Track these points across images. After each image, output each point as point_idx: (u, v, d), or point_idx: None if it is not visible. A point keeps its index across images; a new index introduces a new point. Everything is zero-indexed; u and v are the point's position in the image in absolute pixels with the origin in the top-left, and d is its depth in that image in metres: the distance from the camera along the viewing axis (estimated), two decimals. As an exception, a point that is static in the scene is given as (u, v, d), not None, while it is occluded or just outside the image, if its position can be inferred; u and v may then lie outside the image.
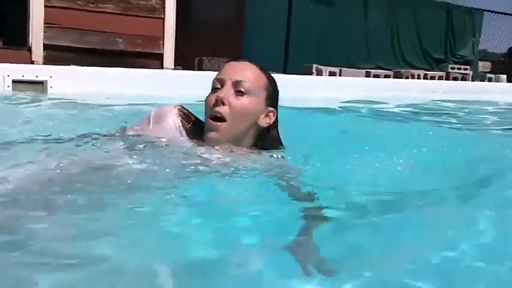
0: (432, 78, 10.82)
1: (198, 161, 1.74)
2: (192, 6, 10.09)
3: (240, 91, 1.80)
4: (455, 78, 11.40)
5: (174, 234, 1.32)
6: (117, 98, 4.14)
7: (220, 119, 1.79)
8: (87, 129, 2.21)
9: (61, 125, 2.62)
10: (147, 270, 1.11)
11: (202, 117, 1.86)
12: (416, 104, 5.26)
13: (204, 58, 7.97)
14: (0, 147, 1.73)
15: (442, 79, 11.13)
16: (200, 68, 8.07)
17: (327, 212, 1.46)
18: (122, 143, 1.81)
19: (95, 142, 1.82)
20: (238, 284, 1.10)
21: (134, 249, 1.21)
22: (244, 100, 1.81)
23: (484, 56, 19.00)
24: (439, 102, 5.68)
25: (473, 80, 11.90)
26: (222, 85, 1.82)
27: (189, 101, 2.06)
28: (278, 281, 1.09)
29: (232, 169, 1.72)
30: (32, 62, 6.25)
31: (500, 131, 3.80)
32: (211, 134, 1.81)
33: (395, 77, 10.17)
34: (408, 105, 5.12)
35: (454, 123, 4.17)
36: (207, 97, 1.84)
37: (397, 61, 10.94)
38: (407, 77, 10.31)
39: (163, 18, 7.08)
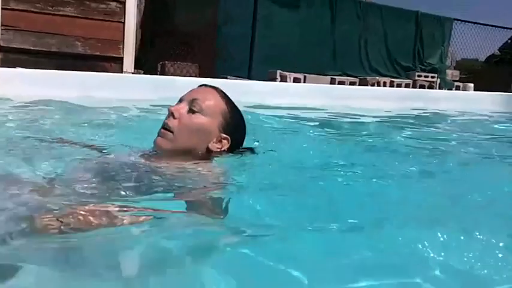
0: (399, 85, 10.96)
1: (129, 169, 1.78)
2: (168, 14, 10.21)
3: (193, 109, 1.88)
4: (422, 86, 11.57)
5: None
6: (59, 102, 4.14)
7: (169, 130, 1.88)
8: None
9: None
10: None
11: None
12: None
13: (166, 62, 8.03)
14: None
15: (409, 87, 11.29)
16: (163, 73, 8.12)
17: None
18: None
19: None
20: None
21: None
22: (195, 118, 1.88)
23: (461, 64, 19.28)
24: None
25: (440, 88, 12.08)
26: (181, 102, 1.93)
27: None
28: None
29: (157, 177, 1.76)
30: (-12, 64, 6.24)
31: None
32: (158, 140, 1.89)
33: (360, 84, 10.31)
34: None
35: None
36: None
37: (364, 69, 11.05)
38: (373, 84, 10.45)
39: (123, 22, 7.10)
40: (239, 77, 8.04)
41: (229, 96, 2.00)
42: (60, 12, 6.77)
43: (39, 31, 6.67)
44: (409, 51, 12.03)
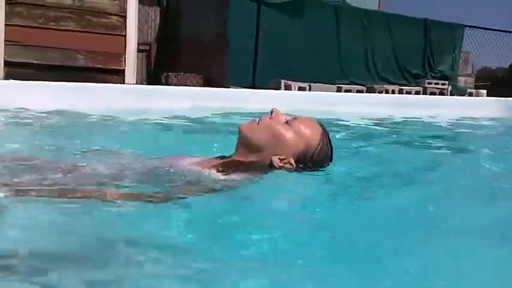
0: (408, 93, 10.91)
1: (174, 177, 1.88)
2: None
3: (289, 123, 1.93)
4: (432, 93, 11.50)
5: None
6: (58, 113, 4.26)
7: (258, 122, 1.94)
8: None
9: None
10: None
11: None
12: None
13: (170, 74, 8.18)
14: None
15: (419, 94, 11.23)
16: (167, 83, 8.28)
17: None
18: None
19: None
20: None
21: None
22: (283, 128, 1.92)
23: (484, 72, 19.03)
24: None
25: (451, 95, 11.97)
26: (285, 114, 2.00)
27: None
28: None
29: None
30: (-8, 78, 6.45)
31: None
32: (243, 124, 1.96)
33: (368, 92, 10.29)
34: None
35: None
36: None
37: (372, 77, 11.02)
38: (380, 92, 10.43)
39: (125, 36, 7.27)
40: (245, 87, 8.14)
41: (329, 140, 2.01)
42: (62, 27, 6.96)
43: (42, 45, 6.88)
44: (419, 59, 11.97)
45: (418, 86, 11.52)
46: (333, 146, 2.01)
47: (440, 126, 5.58)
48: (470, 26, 12.89)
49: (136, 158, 2.14)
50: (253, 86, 8.67)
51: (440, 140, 4.51)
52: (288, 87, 9.03)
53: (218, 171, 1.93)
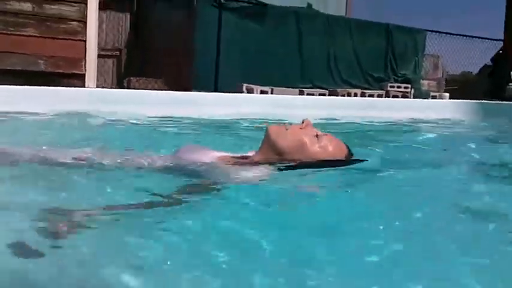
0: (371, 96, 11.19)
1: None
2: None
3: (318, 137, 1.99)
4: (395, 96, 11.79)
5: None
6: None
7: (289, 128, 2.01)
8: None
9: None
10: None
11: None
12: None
13: (132, 78, 8.34)
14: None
15: (381, 97, 11.51)
16: (129, 87, 8.44)
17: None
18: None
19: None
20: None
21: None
22: (312, 142, 1.99)
23: (453, 77, 19.44)
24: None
25: (415, 98, 12.27)
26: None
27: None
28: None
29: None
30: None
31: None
32: (272, 125, 2.04)
33: (330, 95, 10.54)
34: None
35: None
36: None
37: (334, 81, 11.28)
38: (343, 95, 10.69)
39: (85, 41, 7.41)
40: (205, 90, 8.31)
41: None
42: (23, 33, 7.09)
43: (2, 51, 6.99)
44: (382, 63, 12.27)
45: (381, 89, 11.81)
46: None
47: (377, 127, 5.69)
48: (431, 31, 13.27)
49: (146, 156, 2.16)
50: (215, 91, 8.85)
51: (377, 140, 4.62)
52: (250, 91, 9.23)
53: (239, 166, 2.01)
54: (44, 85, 6.21)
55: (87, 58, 7.44)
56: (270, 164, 1.98)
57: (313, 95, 10.12)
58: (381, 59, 12.18)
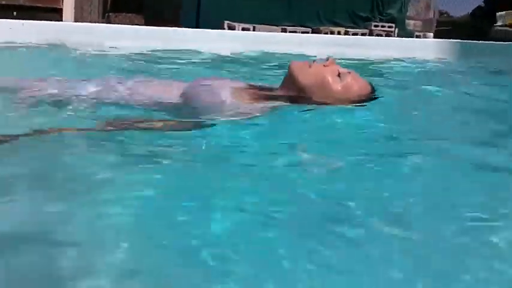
0: (354, 35, 11.14)
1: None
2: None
3: (340, 75, 1.97)
4: (379, 35, 11.74)
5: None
6: None
7: (312, 65, 1.99)
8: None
9: None
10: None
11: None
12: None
13: (111, 14, 8.27)
14: None
15: (365, 36, 11.46)
16: (108, 22, 8.38)
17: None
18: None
19: None
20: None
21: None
22: (334, 79, 1.97)
23: (446, 19, 19.25)
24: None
25: (399, 37, 12.23)
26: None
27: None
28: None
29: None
30: None
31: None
32: (294, 61, 2.03)
33: (313, 33, 10.49)
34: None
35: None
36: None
37: (320, 20, 11.17)
38: (326, 33, 10.63)
39: (63, -25, 7.33)
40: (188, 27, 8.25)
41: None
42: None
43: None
44: (368, 2, 12.11)
45: (365, 28, 11.74)
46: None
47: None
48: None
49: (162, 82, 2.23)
50: (196, 27, 8.79)
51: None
52: (232, 28, 9.19)
53: (260, 98, 2.00)
54: (22, 19, 6.18)
55: (65, -7, 7.38)
56: (291, 99, 1.99)
57: (295, 32, 10.07)
58: (368, -2, 12.02)
